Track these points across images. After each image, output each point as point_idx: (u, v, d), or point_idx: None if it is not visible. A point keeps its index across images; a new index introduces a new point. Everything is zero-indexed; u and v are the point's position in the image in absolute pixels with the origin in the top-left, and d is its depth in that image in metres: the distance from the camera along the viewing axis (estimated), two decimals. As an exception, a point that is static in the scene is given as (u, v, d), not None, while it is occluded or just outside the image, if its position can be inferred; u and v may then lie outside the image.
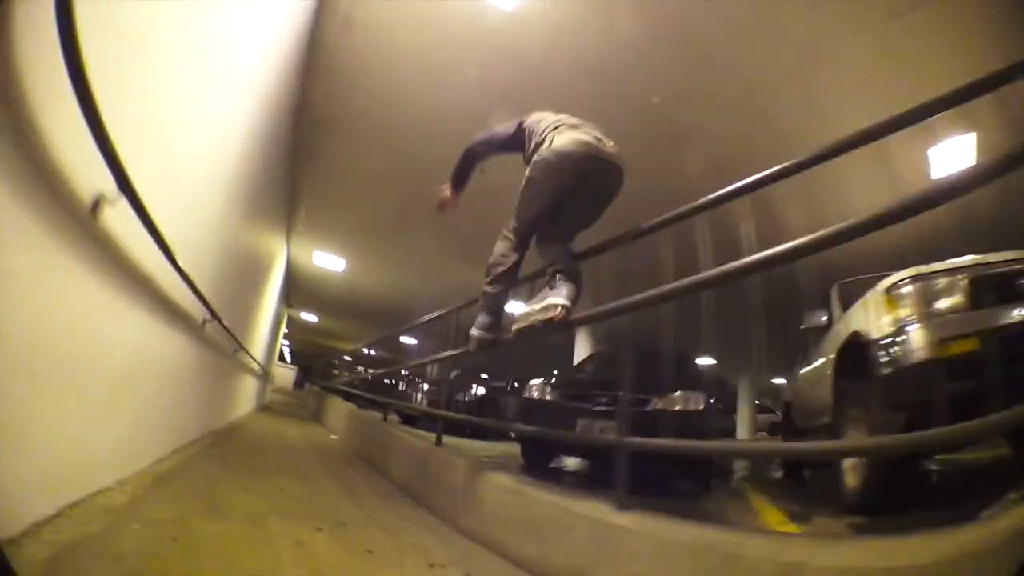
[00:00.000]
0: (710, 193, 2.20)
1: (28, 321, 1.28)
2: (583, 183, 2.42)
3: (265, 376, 9.81)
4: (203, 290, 2.80)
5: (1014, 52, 1.49)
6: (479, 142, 2.84)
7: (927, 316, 2.19)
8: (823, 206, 2.88)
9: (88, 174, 1.40)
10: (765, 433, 14.53)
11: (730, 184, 2.14)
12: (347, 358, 20.39)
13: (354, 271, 11.43)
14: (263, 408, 9.29)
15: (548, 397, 4.36)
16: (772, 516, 2.97)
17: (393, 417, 6.49)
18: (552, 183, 2.42)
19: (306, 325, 20.53)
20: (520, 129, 2.68)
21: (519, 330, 2.41)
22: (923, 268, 2.33)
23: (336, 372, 16.09)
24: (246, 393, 8.08)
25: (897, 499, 2.29)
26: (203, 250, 3.05)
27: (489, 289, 2.60)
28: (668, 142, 5.43)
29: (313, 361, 25.40)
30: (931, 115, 1.62)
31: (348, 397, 9.43)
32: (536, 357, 9.95)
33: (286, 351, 33.14)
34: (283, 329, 17.80)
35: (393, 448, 4.25)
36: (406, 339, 10.56)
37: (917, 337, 2.17)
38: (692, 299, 2.02)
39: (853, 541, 1.66)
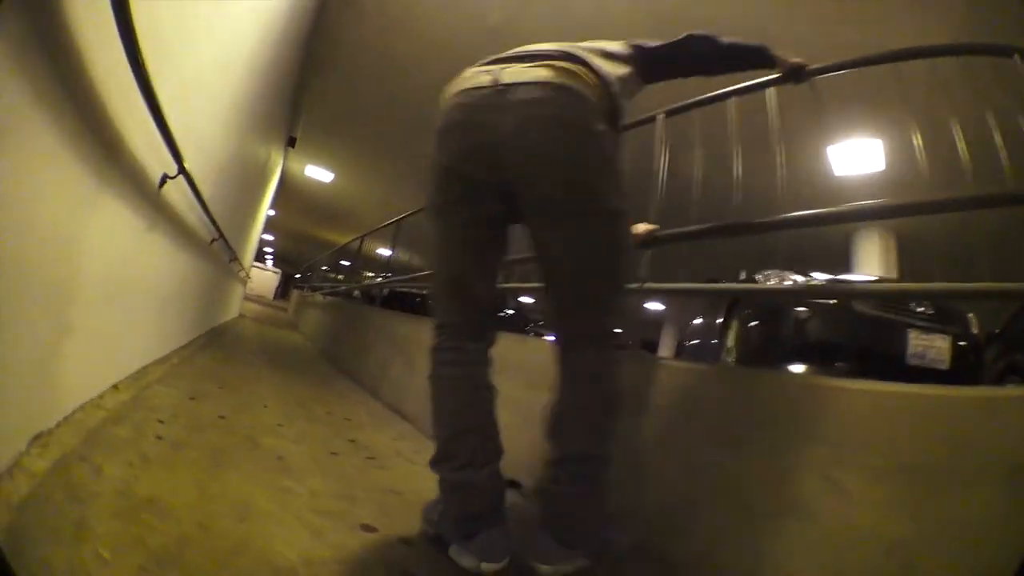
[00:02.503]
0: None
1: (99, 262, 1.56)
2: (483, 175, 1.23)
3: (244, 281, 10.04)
4: (214, 210, 2.99)
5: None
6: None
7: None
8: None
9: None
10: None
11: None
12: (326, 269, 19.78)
13: (340, 183, 11.90)
14: (241, 317, 9.61)
15: None
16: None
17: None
18: (439, 195, 1.30)
19: (293, 228, 20.55)
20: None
21: None
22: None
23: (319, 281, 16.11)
24: (233, 297, 8.42)
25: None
26: (213, 166, 3.19)
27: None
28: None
29: (295, 266, 25.05)
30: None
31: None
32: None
33: (269, 258, 32.46)
34: (267, 236, 17.69)
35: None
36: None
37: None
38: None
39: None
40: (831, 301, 2.75)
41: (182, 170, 1.89)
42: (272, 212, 15.28)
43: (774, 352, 2.73)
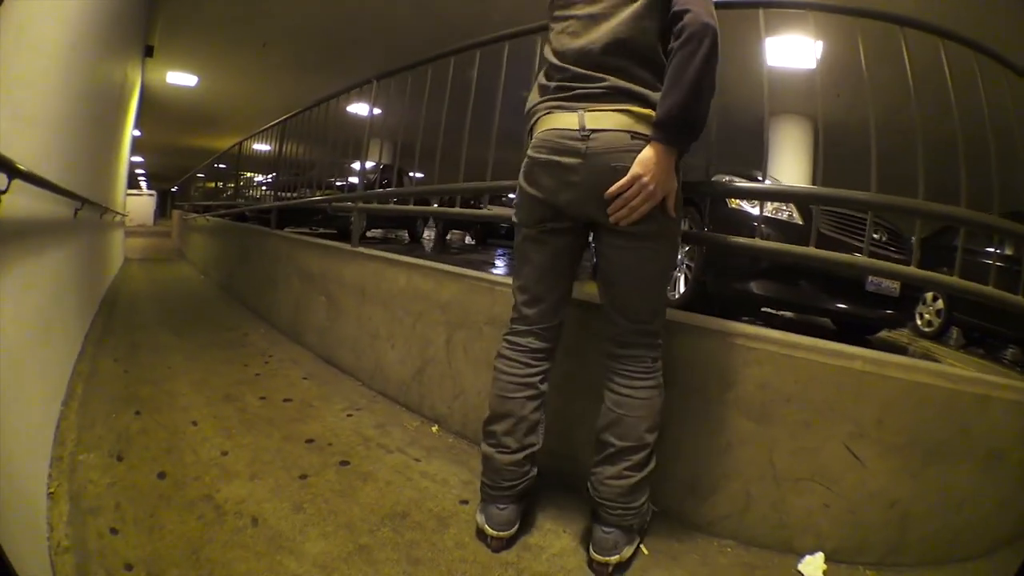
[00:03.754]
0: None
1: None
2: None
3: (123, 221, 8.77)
4: (70, 177, 2.35)
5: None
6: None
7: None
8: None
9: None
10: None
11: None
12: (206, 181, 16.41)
13: (206, 86, 10.51)
14: (127, 261, 8.50)
15: None
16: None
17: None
18: (527, 218, 1.50)
19: (163, 144, 18.21)
20: None
21: None
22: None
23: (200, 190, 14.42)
24: (116, 248, 7.34)
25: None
26: (62, 119, 2.46)
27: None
28: None
29: (172, 183, 22.54)
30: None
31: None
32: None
33: (143, 181, 29.51)
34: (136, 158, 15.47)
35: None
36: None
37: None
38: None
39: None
40: (797, 221, 2.72)
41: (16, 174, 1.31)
42: (138, 133, 13.31)
43: (734, 274, 2.64)
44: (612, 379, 1.44)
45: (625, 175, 1.29)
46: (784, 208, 2.60)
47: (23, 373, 1.64)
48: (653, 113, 1.29)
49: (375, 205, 3.56)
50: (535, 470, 1.52)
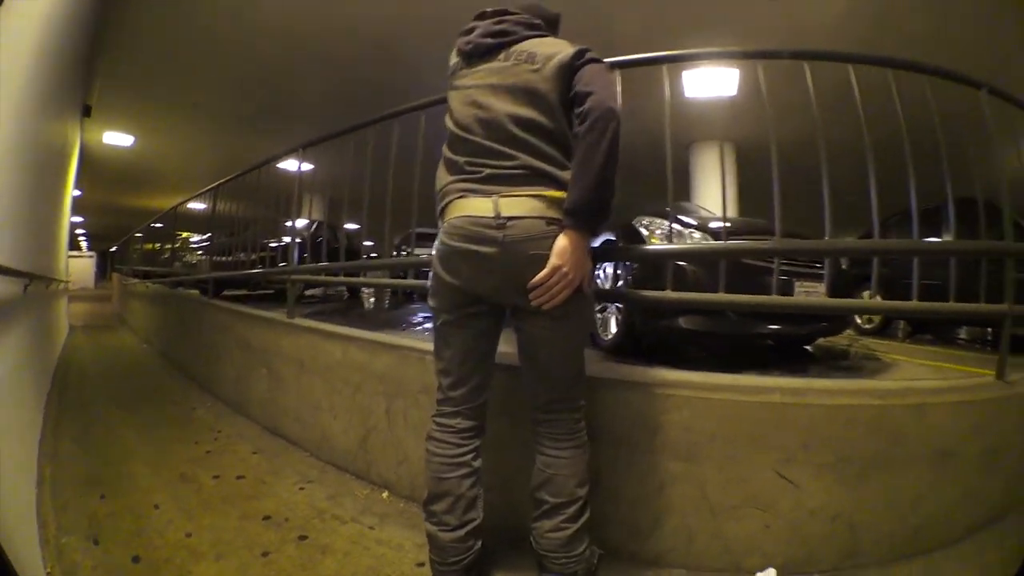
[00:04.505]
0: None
1: None
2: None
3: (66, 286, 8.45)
4: (15, 258, 2.27)
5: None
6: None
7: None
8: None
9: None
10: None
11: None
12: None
13: (143, 145, 10.40)
14: (72, 330, 8.18)
15: None
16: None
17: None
18: (442, 304, 1.53)
19: (102, 203, 17.65)
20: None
21: None
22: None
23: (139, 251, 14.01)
24: (62, 318, 7.09)
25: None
26: (11, 193, 2.38)
27: None
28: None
29: (112, 243, 21.78)
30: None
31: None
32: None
33: (83, 241, 28.53)
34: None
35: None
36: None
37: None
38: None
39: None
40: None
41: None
42: (78, 192, 12.89)
43: (661, 311, 2.61)
44: (540, 442, 1.50)
45: (542, 262, 1.33)
46: (706, 240, 2.68)
47: (2, 458, 1.67)
48: (564, 195, 1.33)
49: (307, 277, 3.62)
50: (479, 543, 1.52)
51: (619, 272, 2.94)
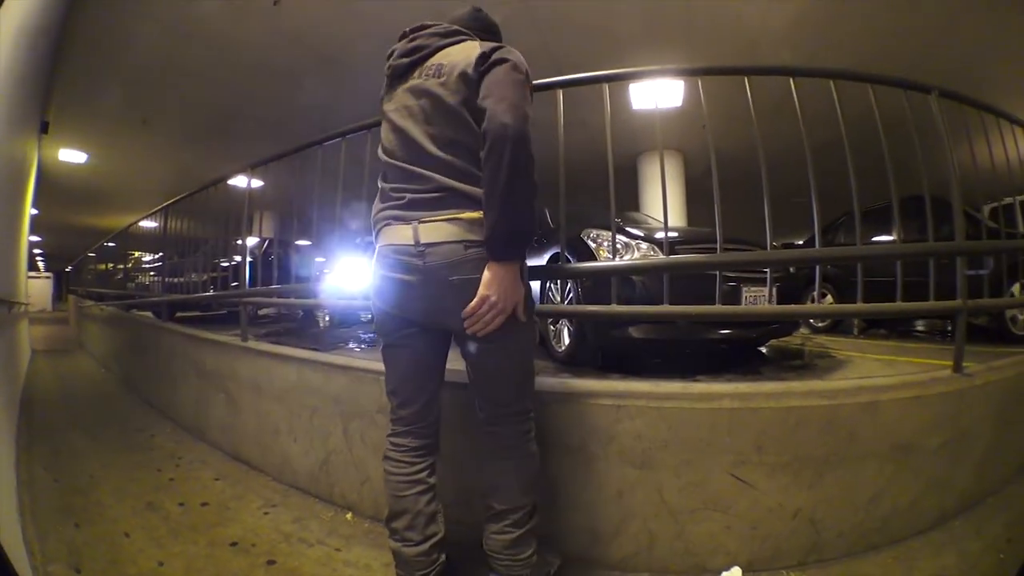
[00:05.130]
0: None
1: None
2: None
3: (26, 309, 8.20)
4: None
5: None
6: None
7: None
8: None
9: None
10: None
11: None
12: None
13: (95, 163, 10.27)
14: (34, 354, 7.92)
15: None
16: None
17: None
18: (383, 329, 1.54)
19: (58, 222, 17.17)
20: None
21: None
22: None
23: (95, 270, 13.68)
24: (25, 343, 6.89)
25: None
26: None
27: None
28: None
29: (68, 263, 21.17)
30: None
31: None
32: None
33: (41, 262, 27.65)
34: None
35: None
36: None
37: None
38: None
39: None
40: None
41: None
42: (35, 211, 12.48)
43: (612, 322, 2.63)
44: (487, 451, 1.51)
45: (466, 287, 1.31)
46: (652, 251, 2.72)
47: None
48: (482, 215, 1.29)
49: (259, 300, 3.58)
50: (443, 556, 1.52)
51: (569, 285, 2.99)
